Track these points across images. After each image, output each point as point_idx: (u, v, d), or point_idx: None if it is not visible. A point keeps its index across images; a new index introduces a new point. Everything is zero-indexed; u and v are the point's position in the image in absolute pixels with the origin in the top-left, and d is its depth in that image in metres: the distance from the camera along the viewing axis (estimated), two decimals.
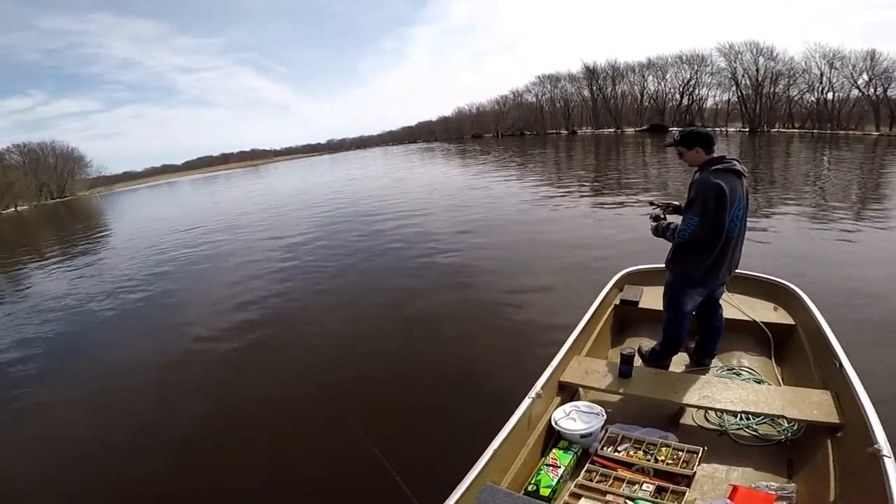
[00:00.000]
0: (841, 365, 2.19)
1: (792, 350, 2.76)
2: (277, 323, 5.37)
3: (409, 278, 6.21)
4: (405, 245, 8.00)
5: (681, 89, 59.01)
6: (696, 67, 57.51)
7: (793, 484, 1.92)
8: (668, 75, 59.60)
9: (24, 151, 66.63)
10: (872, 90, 48.99)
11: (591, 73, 63.56)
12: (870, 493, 1.58)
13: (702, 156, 2.35)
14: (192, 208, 22.71)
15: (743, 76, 55.01)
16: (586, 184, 13.47)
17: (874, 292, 4.43)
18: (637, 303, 3.19)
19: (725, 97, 57.62)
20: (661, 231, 2.48)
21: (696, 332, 2.76)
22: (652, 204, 2.71)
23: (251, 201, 20.36)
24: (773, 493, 1.83)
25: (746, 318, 2.94)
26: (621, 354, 2.41)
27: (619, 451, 2.03)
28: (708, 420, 2.35)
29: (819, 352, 2.47)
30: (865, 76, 49.01)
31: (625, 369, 2.38)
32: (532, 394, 2.10)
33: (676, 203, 2.67)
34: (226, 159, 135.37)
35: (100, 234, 17.93)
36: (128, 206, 32.93)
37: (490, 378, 3.39)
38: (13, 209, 52.46)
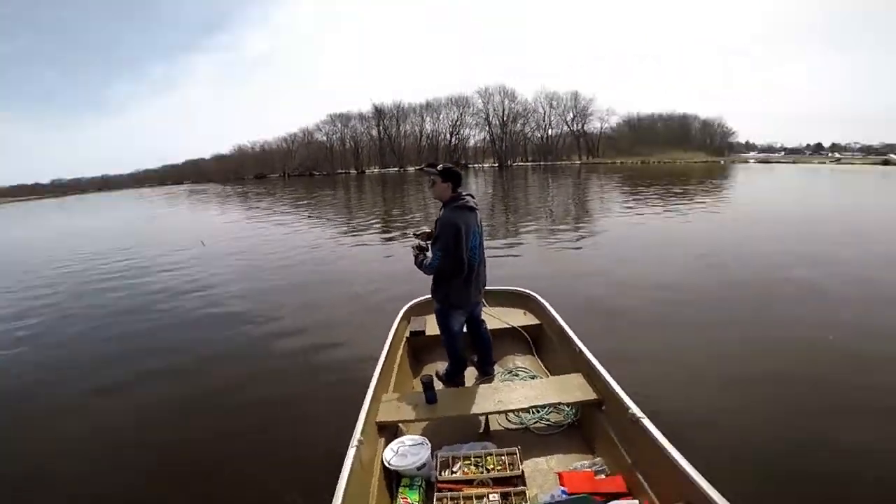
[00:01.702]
0: (581, 350, 2.66)
1: (546, 345, 3.25)
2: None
3: (184, 339, 5.34)
4: (175, 305, 6.73)
5: (450, 129, 68.72)
6: (461, 108, 67.89)
7: (599, 457, 2.21)
8: (441, 116, 68.86)
9: None
10: (576, 126, 67.75)
11: (379, 113, 68.05)
12: (649, 449, 1.88)
13: (448, 191, 2.65)
14: None
15: (493, 116, 67.60)
16: (375, 223, 14.02)
17: (594, 288, 5.81)
18: (424, 332, 3.40)
19: (482, 136, 69.83)
20: (417, 263, 2.71)
21: (474, 347, 3.09)
22: (415, 236, 2.86)
23: None
24: (589, 469, 2.11)
25: (507, 326, 3.39)
26: (422, 382, 2.54)
27: (455, 472, 2.12)
28: (510, 421, 2.59)
29: (564, 344, 2.96)
30: (572, 114, 67.32)
31: (429, 395, 2.49)
32: (354, 442, 2.06)
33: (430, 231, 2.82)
34: None
35: None
36: None
37: (310, 436, 3.11)
38: None
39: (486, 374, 3.08)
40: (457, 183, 2.68)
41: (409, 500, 2.03)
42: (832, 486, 2.36)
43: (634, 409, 2.05)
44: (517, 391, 2.55)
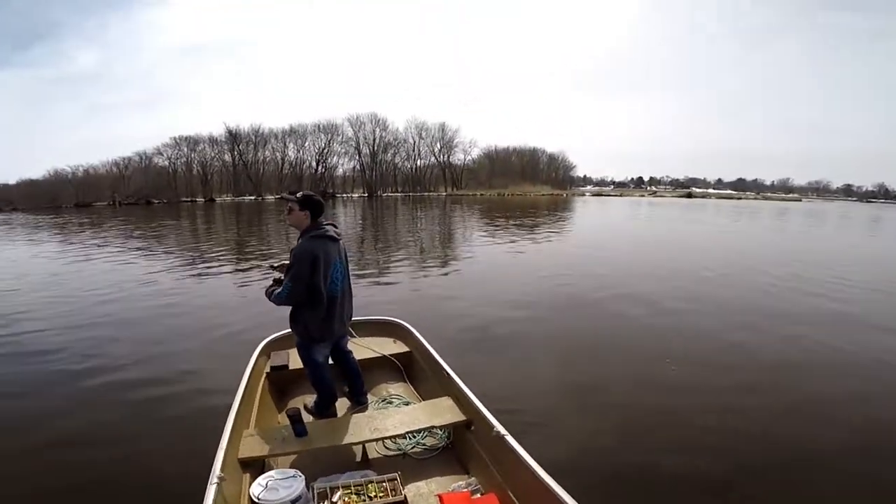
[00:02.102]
0: (449, 375, 2.79)
1: (417, 372, 3.37)
2: None
3: None
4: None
5: (317, 157, 66.37)
6: (330, 136, 65.81)
7: (473, 477, 2.30)
8: (307, 143, 65.90)
9: None
10: (443, 157, 71.32)
11: (233, 137, 62.39)
12: (514, 464, 2.00)
13: (306, 220, 2.59)
14: None
15: (364, 144, 67.23)
16: (226, 255, 12.67)
17: (461, 313, 6.14)
18: (287, 366, 3.30)
19: (352, 165, 68.94)
20: (267, 293, 2.65)
21: (343, 378, 3.09)
22: (272, 268, 2.85)
23: None
24: (465, 490, 2.18)
25: (377, 354, 3.45)
26: (287, 416, 2.45)
27: (336, 503, 2.06)
28: (388, 448, 2.61)
29: (433, 369, 3.08)
30: (439, 145, 70.72)
31: (298, 428, 2.42)
32: (214, 478, 1.91)
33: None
34: None
35: None
36: None
37: (163, 476, 2.84)
38: None
39: (359, 404, 3.06)
40: (316, 212, 2.61)
41: None
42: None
43: (499, 427, 2.16)
44: (392, 417, 2.58)
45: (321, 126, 66.13)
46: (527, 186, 68.48)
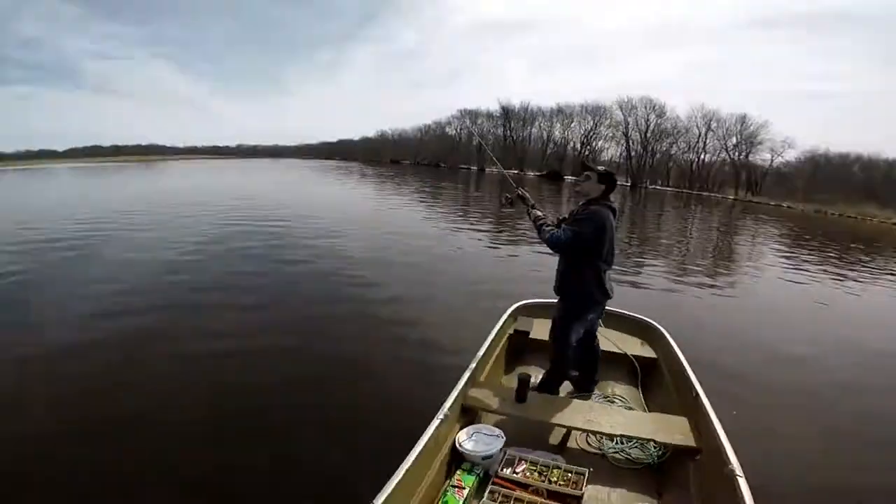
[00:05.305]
0: (697, 394, 2.47)
1: (655, 380, 3.08)
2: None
3: (311, 297, 5.80)
4: (317, 264, 7.42)
5: (582, 139, 64.32)
6: (597, 118, 62.52)
7: None
8: (574, 124, 64.53)
9: None
10: (739, 154, 56.62)
11: (506, 112, 67.02)
12: None
13: (598, 193, 2.64)
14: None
15: (633, 130, 60.74)
16: (490, 221, 13.81)
17: (725, 334, 5.37)
18: (528, 333, 3.41)
19: (618, 150, 63.58)
20: (538, 227, 2.71)
21: (579, 363, 2.97)
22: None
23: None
24: None
25: (618, 351, 3.26)
26: (518, 380, 2.53)
27: (517, 473, 2.13)
28: (590, 444, 2.52)
29: (678, 382, 2.80)
30: (735, 139, 56.60)
31: (520, 393, 2.51)
32: (440, 415, 2.19)
33: (529, 199, 2.93)
34: (117, 151, 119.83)
35: None
36: None
37: (395, 401, 3.37)
38: None
39: (582, 391, 3.00)
40: (610, 188, 2.67)
41: (462, 484, 2.08)
42: None
43: (735, 465, 1.87)
44: (611, 416, 2.47)
45: (588, 108, 62.86)
46: (869, 208, 47.73)
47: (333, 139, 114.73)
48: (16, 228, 9.67)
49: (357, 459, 2.68)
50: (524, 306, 3.76)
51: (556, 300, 2.82)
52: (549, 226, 2.69)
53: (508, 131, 67.67)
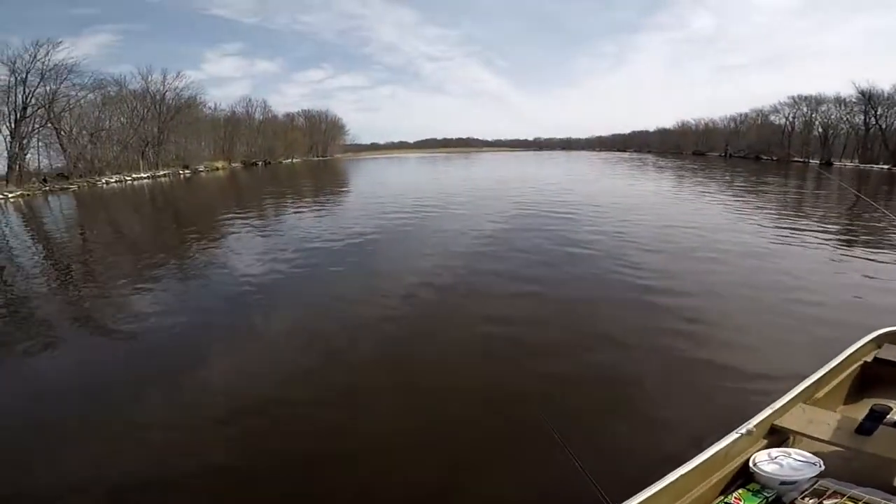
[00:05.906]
0: None
1: None
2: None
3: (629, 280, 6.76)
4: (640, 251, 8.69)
5: None
6: None
7: None
8: None
9: (307, 116, 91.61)
10: None
11: (867, 98, 52.63)
12: None
13: None
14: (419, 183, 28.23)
15: None
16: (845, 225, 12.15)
17: None
18: (894, 363, 2.98)
19: None
20: None
21: None
22: None
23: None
24: None
25: None
26: (871, 410, 2.19)
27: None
28: None
29: None
30: None
31: (869, 425, 2.15)
32: (742, 430, 2.08)
33: None
34: (444, 143, 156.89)
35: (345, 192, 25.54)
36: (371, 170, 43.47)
37: (689, 408, 3.52)
38: (290, 160, 75.56)
39: None
40: None
41: (742, 502, 1.93)
42: None
43: None
44: None
45: None
46: None
47: (626, 130, 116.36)
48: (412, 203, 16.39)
49: (644, 449, 2.92)
50: (893, 333, 3.28)
51: None
52: None
53: (874, 119, 52.83)
